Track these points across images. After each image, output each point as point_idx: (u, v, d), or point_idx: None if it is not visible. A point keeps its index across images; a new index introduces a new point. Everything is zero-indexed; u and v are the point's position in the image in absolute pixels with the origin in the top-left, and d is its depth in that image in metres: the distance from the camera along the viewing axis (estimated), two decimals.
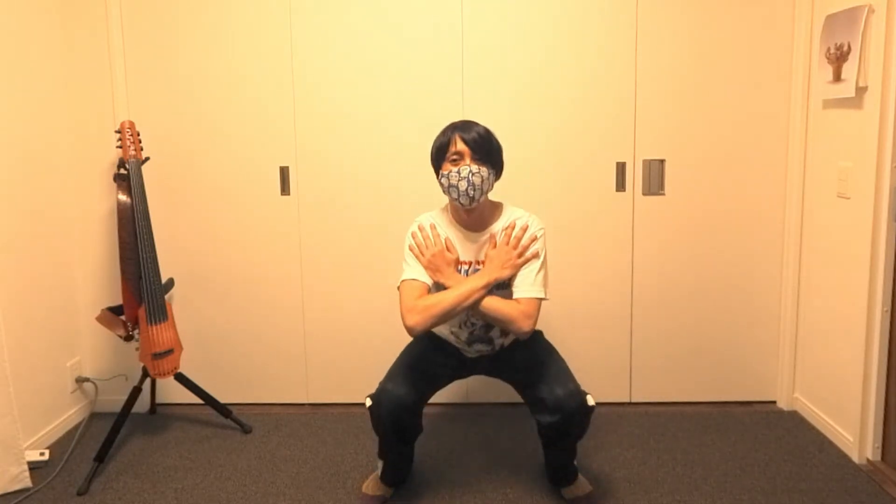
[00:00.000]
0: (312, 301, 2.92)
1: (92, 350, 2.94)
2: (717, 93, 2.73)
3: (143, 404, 2.92)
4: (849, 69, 2.37)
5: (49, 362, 2.71)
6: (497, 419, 2.81)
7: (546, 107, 2.75)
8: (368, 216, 2.85)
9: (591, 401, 2.01)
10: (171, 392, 2.96)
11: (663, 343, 2.89)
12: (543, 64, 2.73)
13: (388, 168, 2.81)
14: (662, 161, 2.78)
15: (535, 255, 2.07)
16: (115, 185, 2.67)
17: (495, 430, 2.72)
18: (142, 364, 2.61)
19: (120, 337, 2.60)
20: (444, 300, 1.98)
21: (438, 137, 2.09)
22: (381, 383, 2.07)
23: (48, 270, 2.71)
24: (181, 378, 2.74)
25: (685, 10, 2.69)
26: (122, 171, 2.56)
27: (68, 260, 2.84)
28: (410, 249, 2.11)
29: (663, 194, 2.80)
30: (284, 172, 2.84)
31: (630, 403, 2.94)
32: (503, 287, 2.07)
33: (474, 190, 2.01)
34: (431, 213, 2.19)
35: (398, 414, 2.02)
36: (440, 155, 2.07)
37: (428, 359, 2.18)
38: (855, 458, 2.42)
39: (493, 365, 2.23)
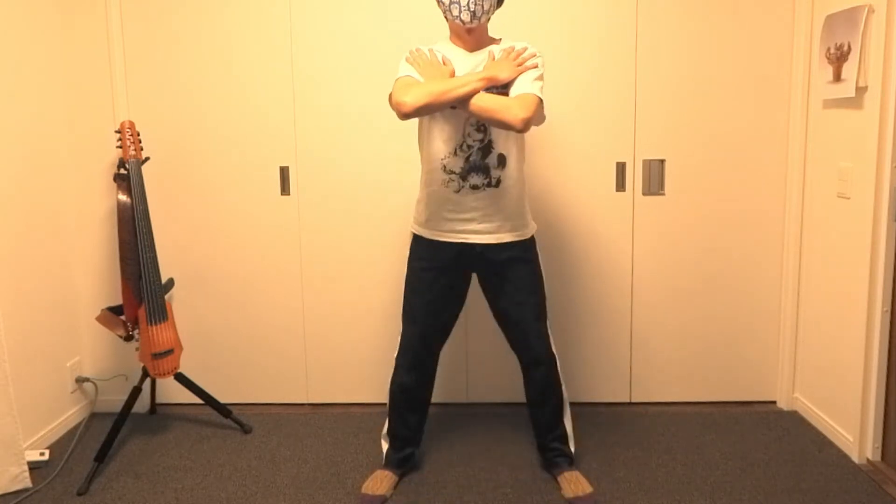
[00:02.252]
0: (312, 301, 2.92)
1: (92, 350, 2.94)
2: (717, 93, 2.73)
3: (143, 404, 2.92)
4: (849, 69, 2.37)
5: (49, 362, 2.71)
6: (497, 419, 2.81)
7: (546, 106, 2.75)
8: (368, 216, 2.85)
9: (553, 349, 2.23)
10: (171, 392, 2.96)
11: (663, 343, 2.89)
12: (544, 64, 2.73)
13: (388, 168, 2.81)
14: (662, 161, 2.78)
15: (535, 66, 2.04)
16: (115, 185, 2.67)
17: (495, 430, 2.72)
18: (142, 364, 2.61)
19: (120, 337, 2.60)
20: (440, 83, 1.95)
21: None
22: (395, 364, 2.26)
23: (48, 270, 2.71)
24: (181, 378, 2.74)
25: (685, 10, 2.69)
26: (122, 171, 2.56)
27: (68, 260, 2.84)
28: (406, 61, 2.08)
29: (663, 194, 2.80)
30: (284, 172, 2.84)
31: (630, 403, 2.94)
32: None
33: (476, 4, 1.97)
34: (429, 45, 2.17)
35: (410, 395, 2.25)
36: None
37: (427, 286, 2.19)
38: (855, 458, 2.42)
39: (490, 271, 2.18)
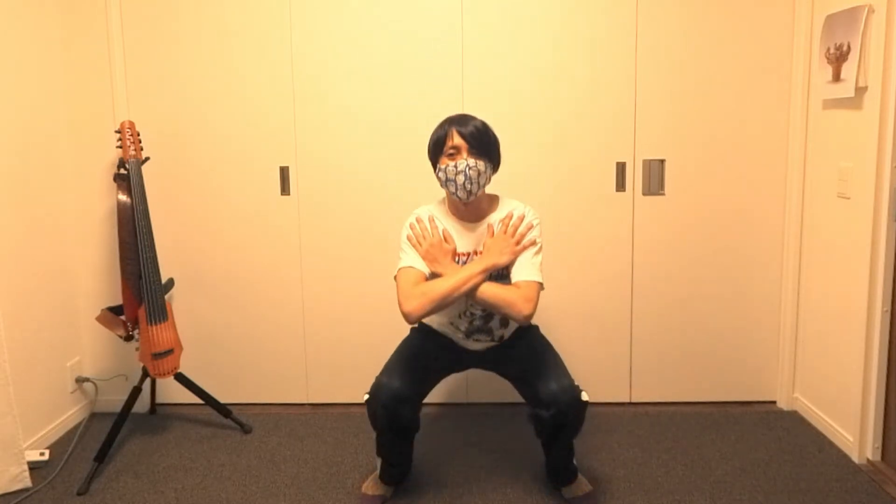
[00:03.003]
0: (312, 301, 2.92)
1: (92, 350, 2.94)
2: (717, 93, 2.73)
3: (143, 404, 2.92)
4: (849, 69, 2.37)
5: (49, 362, 2.71)
6: (497, 419, 2.81)
7: (546, 107, 2.75)
8: (368, 216, 2.85)
9: (584, 396, 2.01)
10: (171, 392, 2.96)
11: (663, 343, 2.89)
12: (543, 64, 2.73)
13: (389, 168, 2.81)
14: (662, 161, 2.78)
15: (533, 243, 2.07)
16: (115, 185, 2.67)
17: (495, 430, 2.72)
18: (142, 364, 2.61)
19: (120, 337, 2.60)
20: (442, 285, 1.98)
21: (435, 131, 2.10)
22: (377, 378, 2.07)
23: (48, 270, 2.71)
24: (181, 378, 2.74)
25: (685, 10, 2.69)
26: (122, 171, 2.56)
27: (68, 260, 2.84)
28: (408, 239, 2.11)
29: (663, 194, 2.80)
30: (284, 172, 2.84)
31: (630, 403, 2.94)
32: (501, 277, 2.08)
33: (471, 184, 2.02)
34: (429, 206, 2.20)
35: (394, 407, 2.01)
36: (437, 149, 2.08)
37: (425, 353, 2.19)
38: (855, 458, 2.42)
39: (491, 358, 2.22)
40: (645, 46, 2.71)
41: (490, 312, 2.14)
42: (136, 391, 2.60)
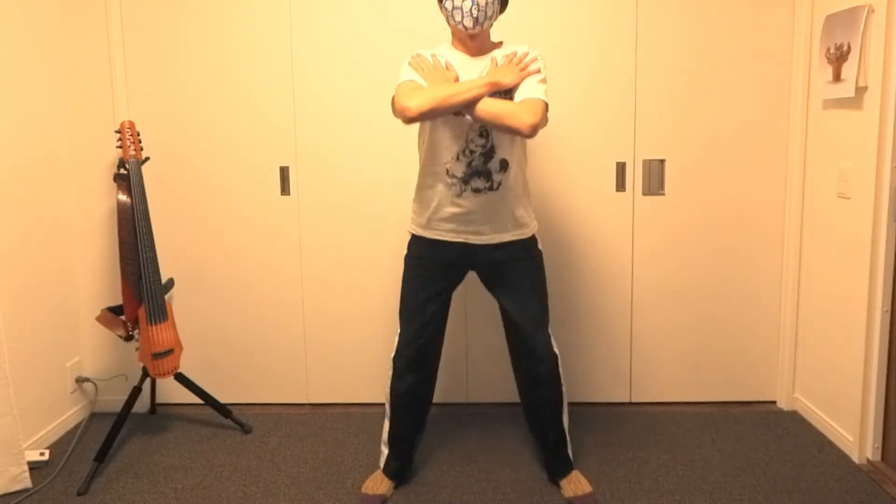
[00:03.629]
0: (312, 301, 2.92)
1: (92, 350, 2.94)
2: (717, 93, 2.73)
3: (143, 404, 2.92)
4: (849, 69, 2.37)
5: (49, 362, 2.71)
6: (497, 419, 2.81)
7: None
8: (368, 216, 2.85)
9: (556, 348, 2.21)
10: (171, 392, 2.96)
11: (663, 343, 2.89)
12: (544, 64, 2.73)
13: (389, 168, 2.81)
14: (662, 161, 2.78)
15: (538, 71, 2.04)
16: (115, 185, 2.67)
17: (495, 430, 2.72)
18: (142, 364, 2.61)
19: (120, 337, 2.60)
20: (445, 88, 1.93)
21: None
22: (393, 365, 2.22)
23: (48, 270, 2.71)
24: (181, 378, 2.74)
25: (685, 10, 2.69)
26: (122, 171, 2.56)
27: (68, 260, 2.84)
28: (409, 65, 2.07)
29: (663, 194, 2.80)
30: (284, 172, 2.84)
31: (630, 403, 2.94)
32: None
33: (479, 10, 1.97)
34: (432, 48, 2.16)
35: (413, 397, 2.22)
36: None
37: (428, 291, 2.17)
38: (855, 458, 2.42)
39: (488, 270, 2.18)
40: (645, 46, 2.71)
41: (490, 150, 2.06)
42: (136, 391, 2.60)
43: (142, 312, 2.55)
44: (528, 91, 2.00)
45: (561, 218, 2.81)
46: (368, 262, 2.88)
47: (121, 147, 2.57)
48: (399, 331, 2.24)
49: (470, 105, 1.94)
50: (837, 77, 2.44)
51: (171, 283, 2.85)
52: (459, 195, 2.09)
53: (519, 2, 2.70)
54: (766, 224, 2.81)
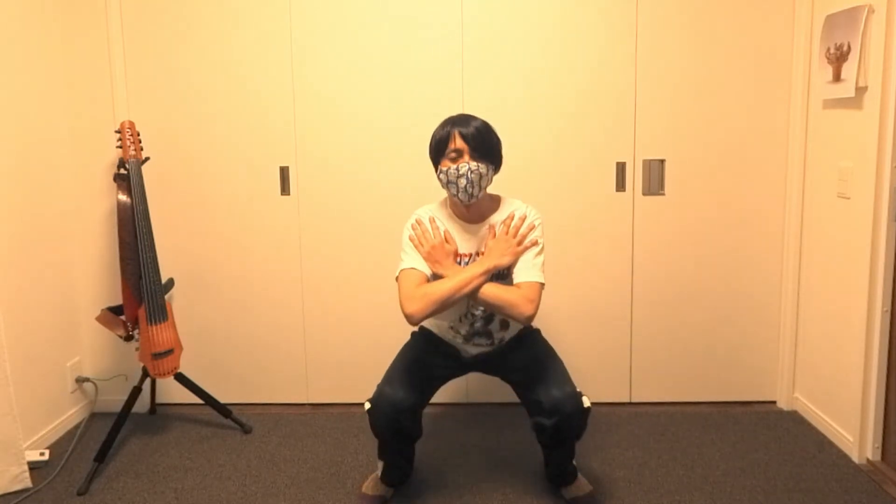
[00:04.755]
0: (312, 301, 2.92)
1: (92, 350, 2.94)
2: (717, 93, 2.73)
3: (143, 404, 2.92)
4: (849, 69, 2.37)
5: (49, 362, 2.71)
6: (497, 419, 2.81)
7: (546, 107, 2.75)
8: (368, 216, 2.85)
9: (586, 402, 2.00)
10: (171, 392, 2.96)
11: (663, 343, 2.89)
12: (544, 64, 2.73)
13: (389, 167, 2.81)
14: (662, 161, 2.78)
15: (534, 243, 2.06)
16: (115, 185, 2.67)
17: (495, 430, 2.72)
18: (142, 364, 2.61)
19: (120, 337, 2.60)
20: (444, 287, 1.97)
21: (437, 132, 2.08)
22: (378, 386, 2.06)
23: (48, 270, 2.71)
24: (181, 378, 2.74)
25: (685, 10, 2.69)
26: (122, 171, 2.57)
27: (68, 260, 2.84)
28: (410, 240, 2.10)
29: (663, 194, 2.80)
30: (284, 172, 2.84)
31: (630, 403, 2.94)
32: (503, 278, 2.07)
33: (473, 186, 2.01)
34: (430, 207, 2.19)
35: (396, 417, 2.01)
36: (439, 150, 2.06)
37: (426, 359, 2.18)
38: (855, 458, 2.42)
39: (492, 363, 2.22)
40: (645, 46, 2.71)
41: (490, 315, 2.14)
42: (136, 391, 2.60)
43: (142, 312, 2.55)
44: (525, 272, 2.03)
45: (561, 218, 2.81)
46: (368, 262, 2.88)
47: (121, 147, 2.57)
48: (382, 379, 2.10)
49: (470, 294, 1.99)
50: (837, 77, 2.44)
51: (171, 283, 2.84)
52: (464, 344, 2.19)
53: (519, 2, 2.70)
54: (766, 224, 2.80)
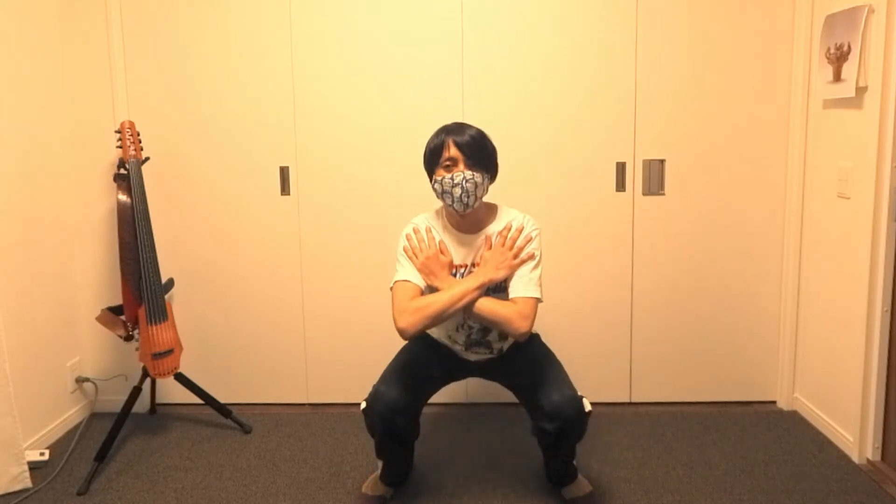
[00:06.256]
0: (312, 301, 2.92)
1: (92, 350, 2.94)
2: (717, 93, 2.73)
3: (143, 404, 2.92)
4: (849, 69, 2.37)
5: (49, 362, 2.71)
6: (497, 419, 2.81)
7: (546, 107, 2.75)
8: (368, 216, 2.85)
9: (587, 406, 1.98)
10: (171, 392, 2.96)
11: (663, 343, 2.89)
12: (544, 64, 2.73)
13: (388, 168, 2.81)
14: (662, 161, 2.78)
15: (531, 256, 2.04)
16: (115, 185, 2.67)
17: (495, 430, 2.72)
18: (142, 364, 2.61)
19: (120, 337, 2.60)
20: (437, 301, 1.95)
21: (431, 140, 2.06)
22: (374, 386, 2.05)
23: (48, 270, 2.71)
24: (181, 378, 2.74)
25: (685, 10, 2.69)
26: (122, 171, 2.57)
27: (68, 260, 2.84)
28: (405, 251, 2.08)
29: (663, 194, 2.80)
30: (284, 172, 2.84)
31: (630, 403, 2.94)
32: (499, 290, 2.05)
33: (468, 196, 1.99)
34: (426, 216, 2.17)
35: (391, 417, 1.99)
36: (433, 159, 2.04)
37: (423, 362, 2.17)
38: (855, 458, 2.42)
39: (492, 368, 2.21)
40: (645, 46, 2.71)
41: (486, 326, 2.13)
42: (136, 391, 2.60)
43: (142, 312, 2.55)
44: (522, 287, 2.00)
45: (561, 218, 2.81)
46: (368, 262, 2.88)
47: (121, 147, 2.57)
48: (378, 378, 2.10)
49: (465, 308, 1.98)
50: (837, 77, 2.44)
51: (171, 283, 2.84)
52: (464, 352, 2.19)
53: (519, 3, 2.70)
54: (766, 224, 2.80)
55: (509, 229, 2.06)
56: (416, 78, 2.75)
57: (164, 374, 2.61)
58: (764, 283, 2.84)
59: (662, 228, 2.82)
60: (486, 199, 2.12)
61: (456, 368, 2.22)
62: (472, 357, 2.20)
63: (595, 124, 2.76)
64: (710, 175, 2.78)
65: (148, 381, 2.85)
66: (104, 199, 2.86)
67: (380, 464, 2.25)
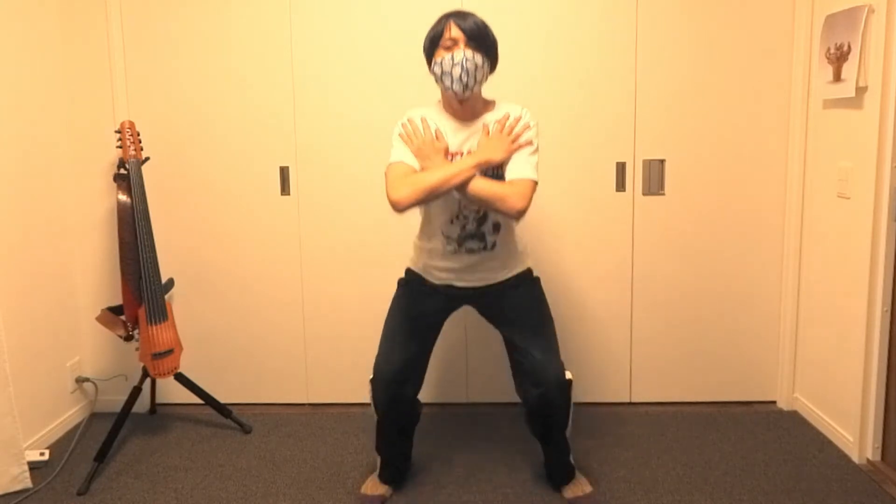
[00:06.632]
0: (312, 301, 2.92)
1: (92, 350, 2.94)
2: (717, 93, 2.73)
3: (143, 404, 2.92)
4: (849, 69, 2.37)
5: (49, 362, 2.71)
6: (497, 419, 2.81)
7: (546, 107, 2.75)
8: (368, 216, 2.85)
9: (568, 375, 2.06)
10: (171, 392, 2.96)
11: (663, 343, 2.89)
12: (544, 64, 2.73)
13: None
14: (662, 161, 2.78)
15: (529, 143, 2.01)
16: (115, 185, 2.67)
17: (495, 430, 2.72)
18: (142, 364, 2.61)
19: (120, 337, 2.60)
20: (433, 175, 1.91)
21: (433, 27, 2.02)
22: (376, 359, 2.10)
23: (48, 270, 2.71)
24: (181, 378, 2.74)
25: (685, 10, 2.69)
26: (122, 171, 2.57)
27: (68, 260, 2.84)
28: (400, 136, 2.05)
29: (663, 194, 2.80)
30: (284, 172, 2.84)
31: (630, 403, 2.94)
32: (496, 178, 2.00)
33: (468, 76, 1.95)
34: (422, 108, 2.13)
35: (398, 387, 2.07)
36: (433, 43, 2.00)
37: (413, 311, 2.15)
38: (855, 458, 2.42)
39: (485, 300, 2.16)
40: (645, 46, 2.71)
41: (483, 215, 2.06)
42: (136, 391, 2.60)
43: (142, 312, 2.55)
44: (518, 169, 1.97)
45: (561, 218, 2.81)
46: (368, 261, 2.88)
47: (121, 147, 2.57)
48: (378, 350, 2.15)
49: (460, 187, 1.93)
50: (837, 77, 2.44)
51: (171, 283, 2.85)
52: (455, 253, 2.10)
53: (519, 3, 2.70)
54: (766, 224, 2.80)
55: (507, 119, 2.03)
56: (416, 78, 2.75)
57: (164, 374, 2.61)
58: (764, 284, 2.84)
59: (662, 228, 2.82)
60: (484, 94, 2.09)
61: (448, 300, 2.17)
62: (464, 258, 2.09)
63: (595, 124, 2.76)
64: (710, 175, 2.78)
65: (148, 381, 2.85)
66: (104, 199, 2.86)
67: (378, 462, 2.26)
